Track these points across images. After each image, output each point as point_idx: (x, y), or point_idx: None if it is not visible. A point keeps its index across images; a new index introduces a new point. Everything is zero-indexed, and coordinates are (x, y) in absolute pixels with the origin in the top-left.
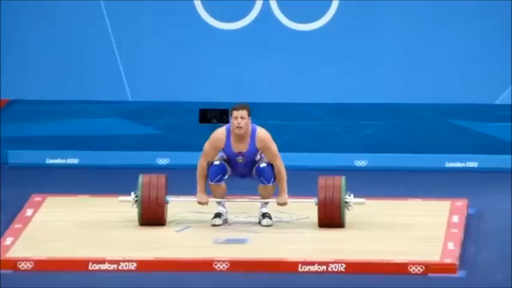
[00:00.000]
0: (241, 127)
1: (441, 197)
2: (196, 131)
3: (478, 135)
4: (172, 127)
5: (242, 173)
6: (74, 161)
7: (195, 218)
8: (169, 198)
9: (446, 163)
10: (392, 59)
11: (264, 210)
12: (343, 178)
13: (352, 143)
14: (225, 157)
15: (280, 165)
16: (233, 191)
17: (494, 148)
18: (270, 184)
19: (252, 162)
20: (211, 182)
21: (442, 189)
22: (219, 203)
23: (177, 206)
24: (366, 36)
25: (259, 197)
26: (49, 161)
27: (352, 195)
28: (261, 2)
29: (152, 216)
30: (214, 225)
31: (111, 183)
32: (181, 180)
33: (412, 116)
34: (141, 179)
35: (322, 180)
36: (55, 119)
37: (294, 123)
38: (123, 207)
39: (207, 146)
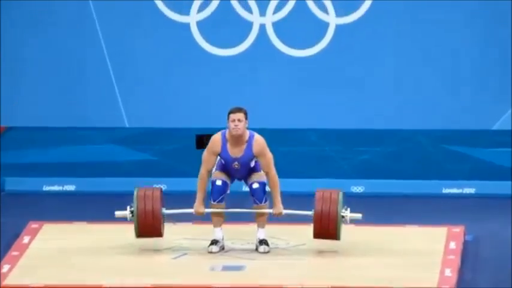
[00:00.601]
0: (238, 128)
1: (438, 223)
2: (192, 157)
3: (475, 161)
4: (168, 153)
5: (239, 176)
6: (71, 187)
7: (191, 245)
8: (166, 211)
9: (443, 189)
10: (388, 85)
11: (261, 236)
12: (341, 192)
13: (348, 169)
14: (223, 162)
15: (275, 175)
16: (231, 219)
17: (492, 174)
18: (263, 203)
19: (247, 168)
20: (214, 201)
21: (439, 215)
22: (216, 225)
23: (173, 233)
24: (363, 62)
25: (255, 223)
26: (46, 188)
27: (348, 209)
28: (257, 27)
29: (149, 228)
30: (211, 253)
31: (108, 209)
32: (178, 206)
33: (408, 142)
34: (136, 191)
35: (319, 193)
36: (52, 146)
37: (290, 149)
38: (120, 234)
39: (205, 153)
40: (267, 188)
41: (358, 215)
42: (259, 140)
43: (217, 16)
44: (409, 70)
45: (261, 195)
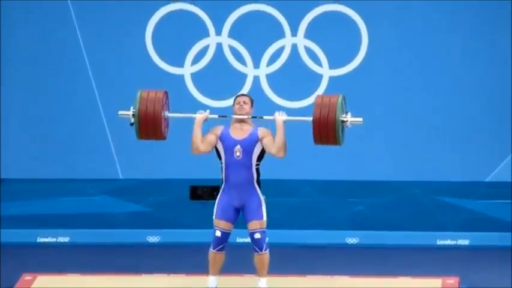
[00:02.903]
0: (243, 108)
1: (432, 274)
2: (187, 208)
3: (469, 213)
4: (163, 204)
5: (238, 181)
6: (65, 239)
7: None
8: (169, 114)
9: (438, 241)
10: (382, 136)
11: (262, 285)
12: (341, 96)
13: (343, 220)
14: (222, 160)
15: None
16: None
17: (486, 225)
18: (263, 252)
19: (249, 159)
20: (214, 249)
21: (433, 266)
22: (212, 273)
23: (168, 285)
24: (356, 113)
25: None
26: (40, 240)
27: (349, 113)
28: (251, 80)
29: (150, 130)
30: None
31: (102, 261)
32: (172, 258)
33: (402, 194)
34: (139, 93)
35: (319, 99)
36: (45, 198)
37: (284, 200)
38: (114, 286)
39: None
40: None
41: (359, 119)
42: (263, 128)
43: (212, 68)
44: (403, 121)
45: (262, 244)
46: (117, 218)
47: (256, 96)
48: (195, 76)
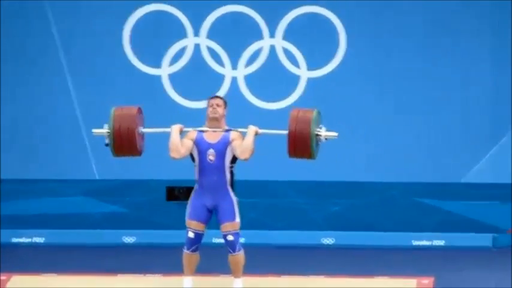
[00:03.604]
0: (216, 111)
1: (407, 275)
2: (163, 209)
3: (444, 214)
4: (139, 205)
5: (211, 184)
6: (40, 239)
7: None
8: (144, 129)
9: (413, 241)
10: (360, 137)
11: (237, 285)
12: (316, 111)
13: (319, 221)
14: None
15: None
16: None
17: (461, 226)
18: (236, 253)
19: (222, 162)
20: (187, 250)
21: (408, 267)
22: (187, 273)
23: (144, 285)
24: (334, 115)
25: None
26: (15, 240)
27: (323, 128)
28: (229, 81)
29: (125, 148)
30: None
31: (78, 261)
32: (148, 258)
33: (379, 195)
34: (113, 111)
35: (294, 112)
36: (21, 198)
37: (261, 201)
38: (90, 287)
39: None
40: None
41: (334, 134)
42: (236, 132)
43: (189, 69)
44: (380, 123)
45: (235, 245)
46: (93, 219)
47: (234, 97)
48: (172, 77)
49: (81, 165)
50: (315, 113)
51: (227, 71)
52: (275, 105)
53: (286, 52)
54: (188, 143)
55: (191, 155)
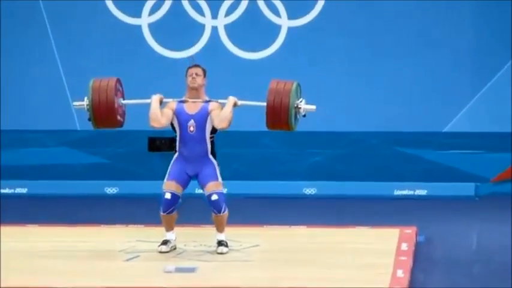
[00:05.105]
0: (195, 81)
1: (390, 224)
2: (145, 160)
3: (426, 163)
4: (120, 156)
5: (192, 154)
6: (23, 190)
7: (144, 247)
8: (123, 101)
9: (395, 191)
10: (340, 87)
11: (220, 237)
12: (295, 83)
13: (301, 171)
14: (176, 130)
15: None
16: (184, 221)
17: (443, 176)
18: (221, 213)
19: (202, 133)
20: (164, 213)
21: (390, 217)
22: (167, 230)
23: (126, 236)
24: (315, 64)
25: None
26: None
27: (303, 100)
28: (209, 30)
29: (105, 119)
30: (161, 252)
31: (60, 212)
32: (131, 209)
33: (360, 144)
34: (92, 83)
35: (273, 84)
36: (3, 149)
37: (242, 151)
38: (72, 237)
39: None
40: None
41: (312, 106)
42: (215, 102)
43: (169, 18)
44: (361, 72)
45: (220, 205)
46: (75, 170)
47: (214, 47)
48: (152, 26)
49: (63, 116)
50: (294, 85)
51: (207, 21)
52: (256, 54)
53: (267, 1)
54: (168, 112)
55: (172, 125)
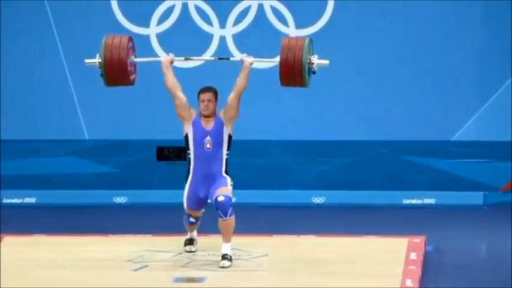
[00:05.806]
0: (208, 108)
1: (399, 233)
2: (153, 169)
3: (435, 172)
4: (129, 165)
5: (207, 173)
6: (31, 200)
7: (153, 257)
8: (136, 59)
9: (404, 200)
10: (348, 96)
11: (224, 251)
12: (308, 39)
13: (309, 180)
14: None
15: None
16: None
17: (452, 185)
18: (227, 218)
19: (220, 151)
20: (190, 225)
21: (399, 226)
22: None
23: (135, 245)
24: (322, 73)
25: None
26: (6, 201)
27: (316, 55)
28: (217, 40)
29: (117, 77)
30: (189, 252)
31: (69, 222)
32: (139, 218)
33: (369, 153)
34: (104, 40)
35: (285, 41)
36: (11, 158)
37: (251, 161)
38: (80, 246)
39: None
40: (232, 199)
41: (326, 61)
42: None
43: (178, 28)
44: (369, 81)
45: (226, 208)
46: (84, 179)
47: (222, 56)
48: (160, 36)
49: (71, 125)
50: (307, 41)
51: (215, 30)
52: (263, 64)
53: (274, 10)
54: (185, 98)
55: (186, 141)
